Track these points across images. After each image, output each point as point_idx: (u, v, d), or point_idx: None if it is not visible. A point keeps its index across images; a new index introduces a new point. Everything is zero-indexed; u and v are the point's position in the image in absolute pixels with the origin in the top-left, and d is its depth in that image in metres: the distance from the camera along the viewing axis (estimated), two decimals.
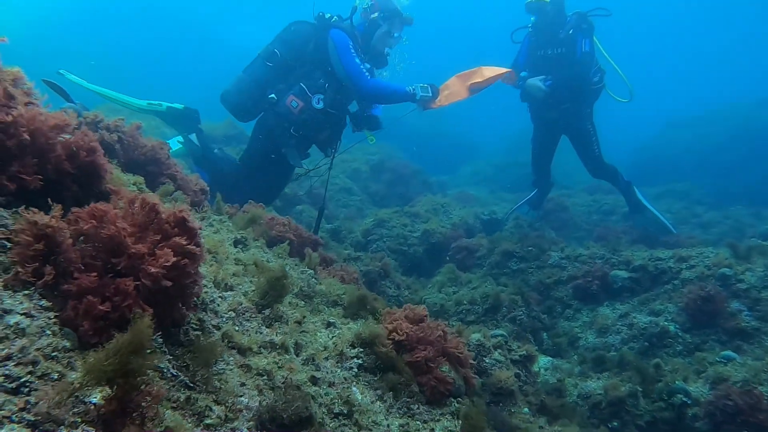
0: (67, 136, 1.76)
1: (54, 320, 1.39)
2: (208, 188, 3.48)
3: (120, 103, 5.66)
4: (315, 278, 3.28)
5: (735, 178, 12.72)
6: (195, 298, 1.72)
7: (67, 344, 1.35)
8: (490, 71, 5.93)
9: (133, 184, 2.58)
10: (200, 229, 1.64)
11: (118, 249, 1.49)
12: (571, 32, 6.78)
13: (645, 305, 5.13)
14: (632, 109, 7.67)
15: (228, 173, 5.63)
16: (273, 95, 5.40)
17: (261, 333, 2.10)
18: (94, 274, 1.46)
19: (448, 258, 6.58)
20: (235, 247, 2.97)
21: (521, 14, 7.19)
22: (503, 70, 6.18)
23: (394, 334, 2.37)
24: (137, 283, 1.48)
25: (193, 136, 5.82)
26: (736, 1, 34.19)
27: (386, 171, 9.92)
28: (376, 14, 5.55)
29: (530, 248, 6.09)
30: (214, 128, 9.43)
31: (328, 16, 5.53)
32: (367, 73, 5.20)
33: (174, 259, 1.49)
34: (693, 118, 16.78)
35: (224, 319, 2.01)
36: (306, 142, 5.61)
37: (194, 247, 1.56)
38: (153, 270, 1.45)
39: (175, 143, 6.04)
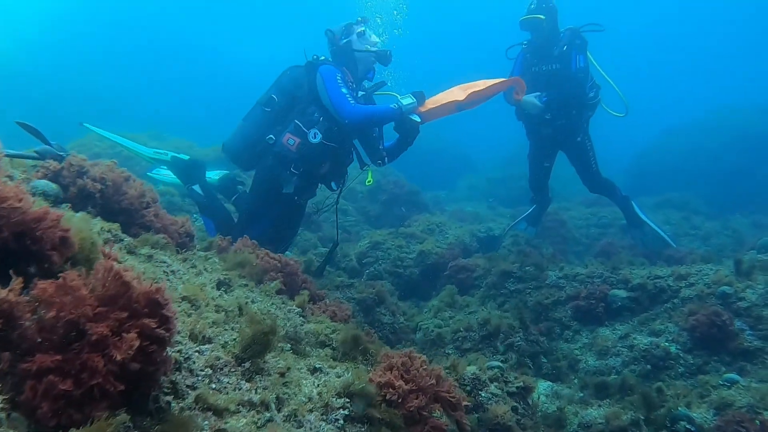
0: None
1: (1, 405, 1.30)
2: (194, 232, 3.38)
3: (131, 152, 6.10)
4: (303, 316, 3.20)
5: (733, 186, 12.67)
6: (162, 377, 1.62)
7: None
8: (494, 81, 5.79)
9: (108, 231, 2.50)
10: (174, 315, 1.55)
11: (81, 329, 1.41)
12: (565, 48, 6.77)
13: (645, 325, 5.04)
14: (627, 118, 7.60)
15: (233, 221, 5.67)
16: (271, 136, 5.38)
17: (240, 389, 2.00)
18: (55, 354, 1.38)
19: (445, 278, 6.50)
20: (218, 289, 2.88)
21: (516, 30, 7.17)
22: (509, 79, 6.00)
23: (387, 391, 2.26)
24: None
25: (197, 187, 5.85)
26: (728, 5, 34.30)
27: (382, 191, 9.83)
28: (339, 41, 5.61)
29: (527, 268, 6.00)
30: (205, 154, 9.40)
31: (322, 58, 5.56)
32: (352, 102, 5.13)
33: (139, 343, 1.40)
34: (689, 125, 16.74)
35: (200, 378, 1.92)
36: (308, 179, 5.53)
37: (163, 331, 1.47)
38: (118, 357, 1.37)
39: (163, 175, 6.04)
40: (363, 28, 5.59)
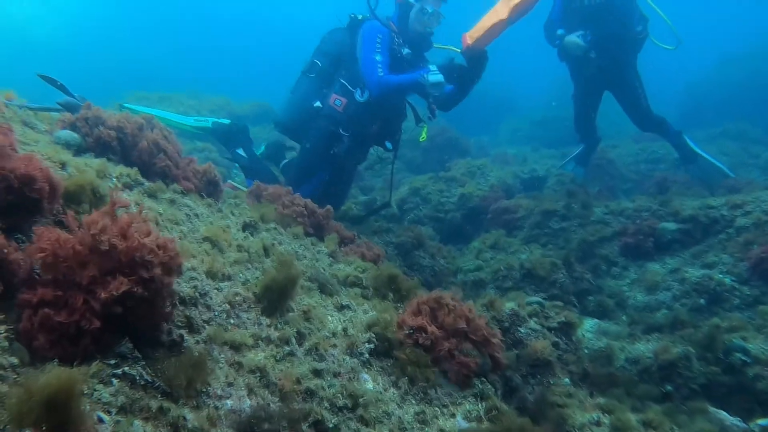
0: None
1: (5, 334, 1.29)
2: (218, 179, 3.33)
3: (171, 124, 5.82)
4: (333, 257, 3.15)
5: None
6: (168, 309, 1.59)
7: (15, 361, 1.24)
8: None
9: (127, 176, 2.47)
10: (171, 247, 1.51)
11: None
12: None
13: (697, 258, 4.81)
14: (680, 48, 7.10)
15: (279, 182, 5.48)
16: (318, 102, 5.23)
17: (260, 324, 1.97)
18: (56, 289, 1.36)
19: (487, 221, 6.36)
20: (244, 231, 2.85)
21: None
22: None
23: (419, 335, 2.18)
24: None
25: (241, 150, 5.80)
26: None
27: (420, 142, 9.63)
28: None
29: (573, 205, 5.79)
30: (242, 108, 9.40)
31: (360, 17, 5.29)
32: (381, 72, 4.85)
33: (126, 288, 1.37)
34: (744, 53, 15.70)
35: (217, 313, 1.88)
36: (359, 141, 5.32)
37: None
38: (103, 296, 1.34)
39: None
40: (431, 10, 5.16)
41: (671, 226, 5.06)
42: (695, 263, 4.76)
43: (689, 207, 5.17)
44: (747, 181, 7.00)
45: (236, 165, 6.09)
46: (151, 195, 2.54)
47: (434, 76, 4.80)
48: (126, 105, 5.89)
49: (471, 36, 4.91)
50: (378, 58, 4.91)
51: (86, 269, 1.38)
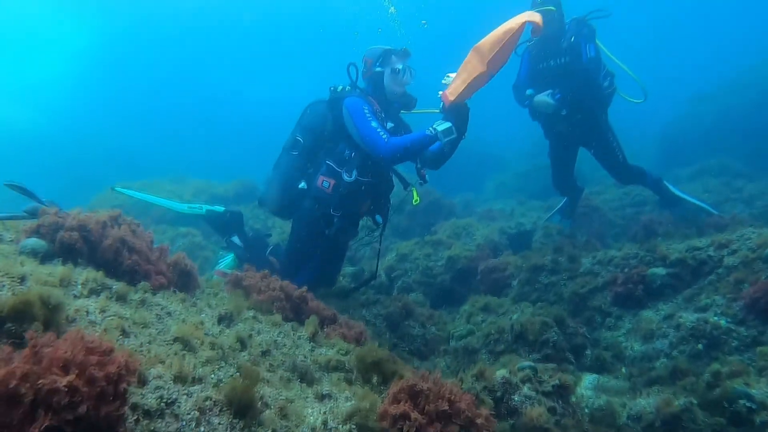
0: None
1: None
2: (191, 269, 3.28)
3: (165, 208, 6.06)
4: (314, 341, 3.07)
5: None
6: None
7: None
8: (504, 30, 4.79)
9: (93, 280, 2.42)
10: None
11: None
12: (573, 39, 6.46)
13: (690, 302, 4.75)
14: (651, 90, 7.26)
15: (277, 270, 5.40)
16: (303, 183, 5.19)
17: (233, 429, 1.88)
18: None
19: (477, 281, 6.30)
20: (219, 324, 2.79)
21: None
22: (520, 17, 4.91)
23: (403, 423, 2.09)
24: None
25: (236, 238, 5.77)
26: None
27: (407, 202, 9.69)
28: (372, 67, 5.29)
29: (560, 259, 5.75)
30: (225, 189, 9.47)
31: (339, 88, 5.28)
32: (385, 136, 4.75)
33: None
34: (715, 89, 16.10)
35: (185, 422, 1.80)
36: (350, 219, 5.26)
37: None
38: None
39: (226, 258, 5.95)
40: (400, 67, 5.21)
41: (660, 271, 5.02)
42: (689, 307, 4.69)
43: (676, 250, 5.15)
44: (732, 216, 7.03)
45: (221, 248, 6.05)
46: (120, 298, 2.48)
47: (442, 124, 4.71)
48: (117, 189, 5.96)
49: (452, 93, 4.78)
50: (375, 125, 4.84)
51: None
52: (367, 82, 5.39)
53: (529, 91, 6.71)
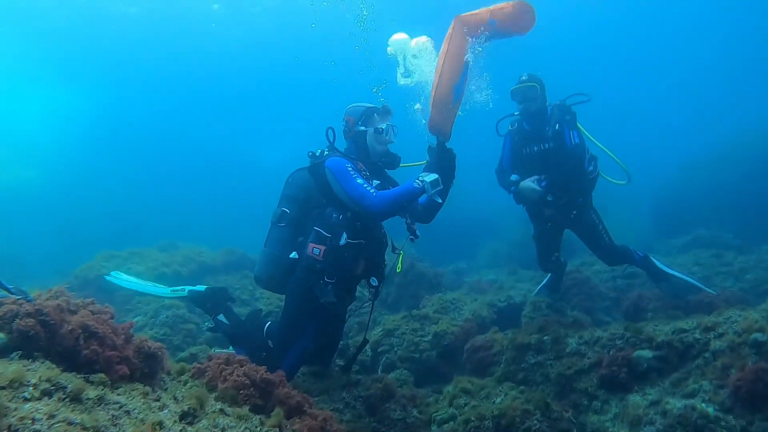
0: None
1: None
2: (157, 352, 3.21)
3: (150, 295, 6.09)
4: None
5: (761, 215, 12.15)
6: None
7: None
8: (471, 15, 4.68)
9: (47, 380, 2.35)
10: None
11: None
12: (557, 127, 6.56)
13: (677, 387, 4.63)
14: (645, 156, 7.37)
15: (268, 346, 5.29)
16: (294, 253, 5.07)
17: None
18: None
19: (463, 360, 6.20)
20: (182, 421, 2.69)
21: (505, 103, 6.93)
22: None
23: None
24: None
25: (222, 317, 5.59)
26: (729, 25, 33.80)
27: (395, 273, 9.62)
28: (354, 127, 5.28)
29: (545, 338, 5.67)
30: (213, 258, 9.43)
31: (318, 152, 5.27)
32: (372, 191, 4.72)
33: None
34: (705, 158, 16.35)
35: None
36: (345, 285, 5.16)
37: None
38: None
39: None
40: (384, 126, 5.20)
41: (647, 354, 4.93)
42: (676, 392, 4.58)
43: (662, 332, 5.06)
44: (720, 291, 7.00)
45: (207, 329, 5.92)
46: (75, 398, 2.40)
47: (429, 176, 4.75)
48: (108, 278, 5.95)
49: (431, 120, 4.84)
50: (360, 181, 4.79)
51: None
52: (350, 142, 5.37)
53: (514, 177, 6.76)
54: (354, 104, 5.42)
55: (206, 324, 6.65)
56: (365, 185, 4.78)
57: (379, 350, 6.63)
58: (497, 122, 7.09)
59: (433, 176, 4.75)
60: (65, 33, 26.33)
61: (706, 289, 7.06)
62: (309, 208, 5.18)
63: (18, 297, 2.96)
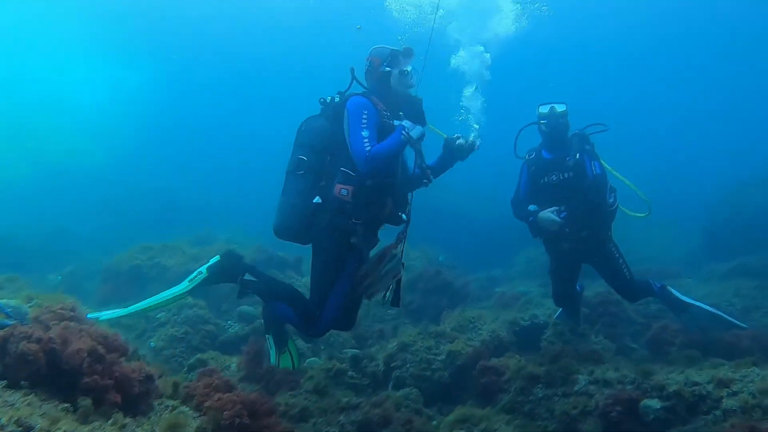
0: None
1: None
2: (150, 375, 3.31)
3: (162, 305, 5.51)
4: None
5: None
6: None
7: None
8: None
9: (15, 422, 2.45)
10: None
11: None
12: (578, 156, 6.38)
13: None
14: (700, 165, 7.12)
15: (304, 297, 5.19)
16: (317, 198, 4.95)
17: None
18: None
19: (473, 384, 6.15)
20: None
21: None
22: None
23: None
24: None
25: (248, 275, 5.35)
26: None
27: (423, 279, 9.59)
28: (380, 67, 5.18)
29: (555, 372, 5.55)
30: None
31: (329, 99, 5.20)
32: (368, 147, 4.68)
33: None
34: (759, 175, 15.47)
35: None
36: (373, 225, 5.10)
37: None
38: None
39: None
40: (409, 68, 5.17)
41: (655, 404, 4.76)
42: None
43: (674, 382, 4.87)
44: (748, 330, 6.61)
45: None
46: None
47: (414, 130, 4.85)
48: (98, 318, 5.11)
49: None
50: (365, 134, 4.74)
51: None
52: (373, 83, 5.29)
53: (532, 207, 6.61)
54: (378, 45, 5.35)
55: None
56: (366, 138, 4.73)
57: (392, 365, 6.61)
58: (518, 132, 6.88)
59: (419, 130, 4.92)
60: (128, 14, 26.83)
61: (734, 321, 6.71)
62: (330, 152, 5.05)
63: (14, 321, 3.10)
